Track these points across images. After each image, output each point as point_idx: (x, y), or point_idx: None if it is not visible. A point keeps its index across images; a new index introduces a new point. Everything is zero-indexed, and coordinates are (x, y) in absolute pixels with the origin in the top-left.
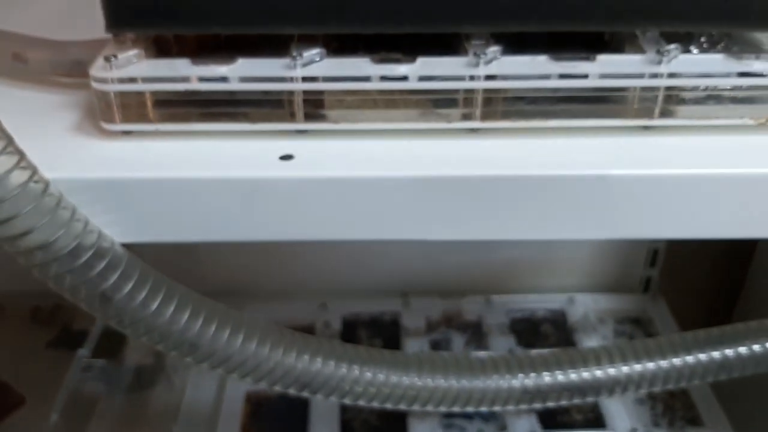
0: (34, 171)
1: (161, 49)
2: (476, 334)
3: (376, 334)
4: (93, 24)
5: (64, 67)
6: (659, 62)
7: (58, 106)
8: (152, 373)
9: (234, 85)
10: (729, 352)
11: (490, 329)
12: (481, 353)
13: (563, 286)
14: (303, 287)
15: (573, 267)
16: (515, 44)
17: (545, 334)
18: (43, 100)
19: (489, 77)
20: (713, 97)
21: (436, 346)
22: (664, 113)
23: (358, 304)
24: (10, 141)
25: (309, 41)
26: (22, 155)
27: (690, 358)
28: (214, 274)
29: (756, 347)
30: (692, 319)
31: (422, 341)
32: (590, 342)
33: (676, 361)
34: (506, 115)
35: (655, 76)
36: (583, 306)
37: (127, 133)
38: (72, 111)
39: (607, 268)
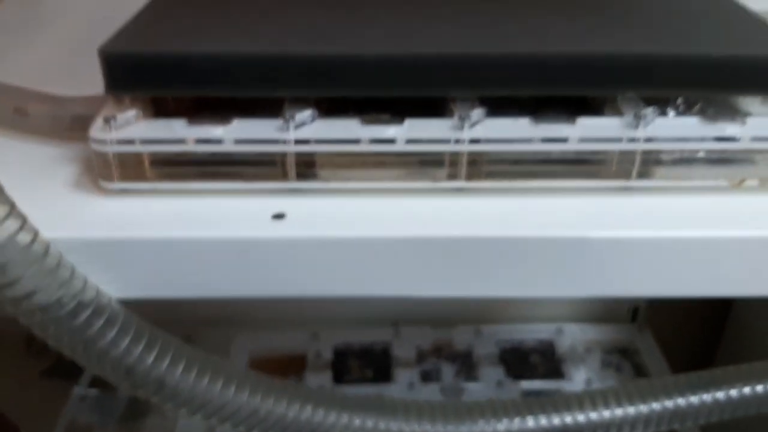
0: (36, 233)
1: (159, 106)
2: (466, 365)
3: (368, 364)
4: (92, 74)
5: (64, 122)
6: (636, 126)
7: (57, 160)
8: (145, 403)
9: (229, 147)
10: (707, 397)
11: (479, 359)
12: (470, 385)
13: (552, 316)
14: (295, 317)
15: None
16: (499, 102)
17: (534, 364)
18: (43, 154)
19: (473, 141)
20: (689, 160)
21: (426, 376)
22: (642, 174)
23: (350, 333)
24: (12, 205)
25: (301, 100)
26: (24, 219)
27: (670, 403)
28: (207, 303)
29: (733, 392)
30: (678, 350)
31: (413, 372)
32: (578, 373)
33: (657, 405)
34: (490, 175)
35: (632, 140)
36: (571, 336)
37: (124, 191)
38: (71, 165)
39: (594, 297)
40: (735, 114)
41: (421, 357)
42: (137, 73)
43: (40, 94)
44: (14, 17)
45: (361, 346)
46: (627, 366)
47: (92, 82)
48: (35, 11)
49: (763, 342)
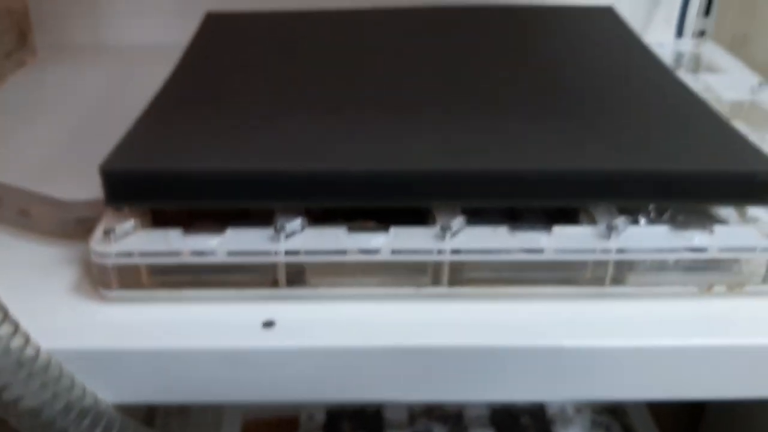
0: (38, 348)
1: (156, 213)
2: (457, 427)
3: (360, 426)
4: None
5: (67, 224)
6: (609, 236)
7: (59, 262)
8: None
9: (222, 258)
10: None
11: (470, 421)
12: None
13: None
14: None
15: None
16: (479, 208)
17: (524, 426)
18: (45, 254)
19: (455, 251)
20: (660, 267)
21: None
22: (616, 281)
23: None
24: (17, 326)
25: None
26: (27, 336)
27: None
28: None
29: None
30: (666, 410)
31: None
32: None
33: None
34: (471, 282)
35: (605, 251)
36: None
37: (122, 298)
38: (72, 267)
39: None
40: (704, 219)
41: (412, 419)
42: (135, 188)
43: (43, 197)
44: (16, 99)
45: (354, 408)
46: (616, 427)
47: (93, 172)
48: (37, 93)
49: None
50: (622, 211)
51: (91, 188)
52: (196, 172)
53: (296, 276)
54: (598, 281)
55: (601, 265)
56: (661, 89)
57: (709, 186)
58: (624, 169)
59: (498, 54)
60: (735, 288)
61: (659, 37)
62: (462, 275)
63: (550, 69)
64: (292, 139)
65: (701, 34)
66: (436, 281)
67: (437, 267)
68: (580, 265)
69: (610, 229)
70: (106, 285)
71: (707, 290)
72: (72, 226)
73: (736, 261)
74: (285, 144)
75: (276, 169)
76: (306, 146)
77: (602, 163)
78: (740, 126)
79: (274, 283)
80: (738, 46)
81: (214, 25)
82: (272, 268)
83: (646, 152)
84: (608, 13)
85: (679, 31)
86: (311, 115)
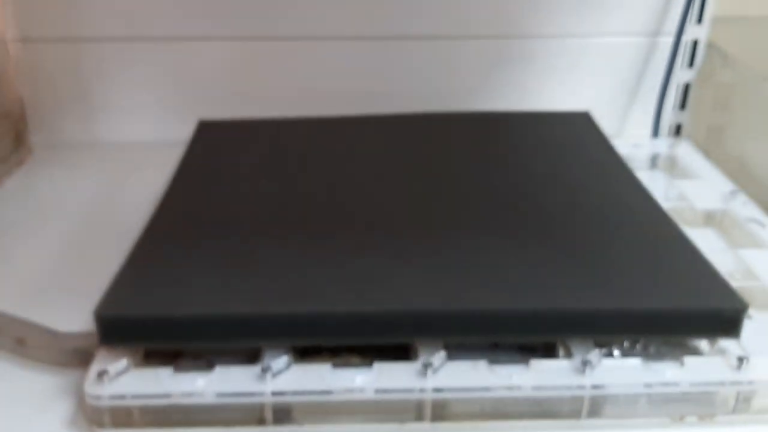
0: None
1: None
2: None
3: None
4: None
5: (63, 355)
6: (584, 372)
7: (54, 394)
8: None
9: (210, 399)
10: None
11: None
12: None
13: None
14: None
15: None
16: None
17: None
18: (41, 384)
19: (436, 390)
20: (634, 399)
21: None
22: (592, 413)
23: None
24: None
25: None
26: None
27: None
28: None
29: None
30: None
31: None
32: None
33: None
34: (453, 417)
35: (580, 387)
36: None
37: None
38: (66, 400)
39: None
40: (676, 347)
41: None
42: (128, 331)
43: (39, 328)
44: (12, 208)
45: None
46: None
47: (87, 298)
48: (32, 200)
49: None
50: (597, 342)
51: (86, 315)
52: (185, 317)
53: (283, 414)
54: (575, 414)
55: (578, 399)
56: (633, 211)
57: (680, 322)
58: (598, 308)
59: (478, 167)
60: (706, 418)
61: (637, 132)
62: (444, 410)
63: (528, 187)
64: (277, 277)
65: (678, 128)
66: (419, 417)
67: (420, 403)
68: (558, 400)
69: (585, 364)
70: (100, 424)
71: (679, 420)
72: (67, 356)
73: (706, 393)
74: (270, 283)
75: (262, 312)
76: (291, 285)
77: (577, 302)
78: (713, 235)
79: (261, 421)
80: (713, 139)
81: (205, 137)
82: (259, 406)
83: (619, 289)
84: (584, 119)
85: (656, 125)
86: (296, 249)
